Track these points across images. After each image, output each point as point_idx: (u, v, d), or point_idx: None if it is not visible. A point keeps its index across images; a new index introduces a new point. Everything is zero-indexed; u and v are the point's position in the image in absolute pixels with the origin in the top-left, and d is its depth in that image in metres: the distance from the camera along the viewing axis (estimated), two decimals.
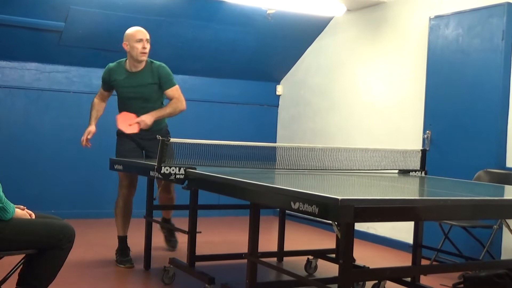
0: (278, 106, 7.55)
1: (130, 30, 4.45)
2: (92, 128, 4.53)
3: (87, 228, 5.58)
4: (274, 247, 4.71)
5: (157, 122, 4.48)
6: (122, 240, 4.59)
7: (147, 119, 4.39)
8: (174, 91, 4.52)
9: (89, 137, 4.50)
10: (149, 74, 4.48)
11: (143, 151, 4.63)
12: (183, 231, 3.85)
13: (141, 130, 4.40)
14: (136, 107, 4.48)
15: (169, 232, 5.10)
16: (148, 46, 4.42)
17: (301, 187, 2.87)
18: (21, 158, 6.16)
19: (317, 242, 5.39)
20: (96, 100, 4.67)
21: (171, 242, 5.08)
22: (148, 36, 4.43)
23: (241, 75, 7.18)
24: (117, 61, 4.59)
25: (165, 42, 6.19)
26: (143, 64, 4.47)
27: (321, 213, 2.27)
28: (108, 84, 4.61)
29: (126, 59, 4.52)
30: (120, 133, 4.56)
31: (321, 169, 3.92)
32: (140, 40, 4.37)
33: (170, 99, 4.54)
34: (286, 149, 3.98)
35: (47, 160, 6.27)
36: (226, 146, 3.68)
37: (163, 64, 4.56)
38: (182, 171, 3.43)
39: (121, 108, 4.59)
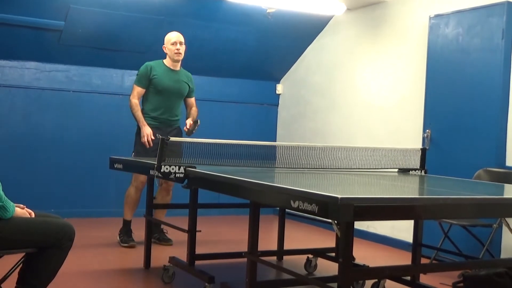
0: (278, 105, 7.55)
1: (167, 35, 5.04)
2: (149, 128, 4.89)
3: (87, 227, 5.58)
4: (274, 246, 4.71)
5: (178, 121, 5.13)
6: (128, 223, 5.04)
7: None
8: (194, 100, 5.23)
9: (153, 137, 4.80)
10: (184, 75, 5.14)
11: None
12: (183, 230, 3.85)
13: (165, 126, 4.98)
14: (172, 101, 5.04)
15: (159, 232, 5.14)
16: (182, 47, 5.00)
17: (301, 186, 2.85)
18: (21, 158, 6.15)
19: (317, 241, 5.39)
20: (135, 101, 4.99)
21: (165, 239, 5.13)
22: (182, 39, 5.02)
23: (241, 74, 7.17)
24: (155, 61, 5.06)
25: None
26: (179, 65, 5.09)
27: (321, 211, 2.26)
28: (147, 79, 4.98)
29: (163, 60, 5.05)
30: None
31: (321, 168, 3.91)
32: (175, 43, 4.97)
33: (190, 105, 5.18)
34: (286, 148, 3.97)
35: (47, 159, 6.26)
36: (226, 145, 3.68)
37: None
38: (182, 169, 3.43)
39: (152, 103, 4.97)
